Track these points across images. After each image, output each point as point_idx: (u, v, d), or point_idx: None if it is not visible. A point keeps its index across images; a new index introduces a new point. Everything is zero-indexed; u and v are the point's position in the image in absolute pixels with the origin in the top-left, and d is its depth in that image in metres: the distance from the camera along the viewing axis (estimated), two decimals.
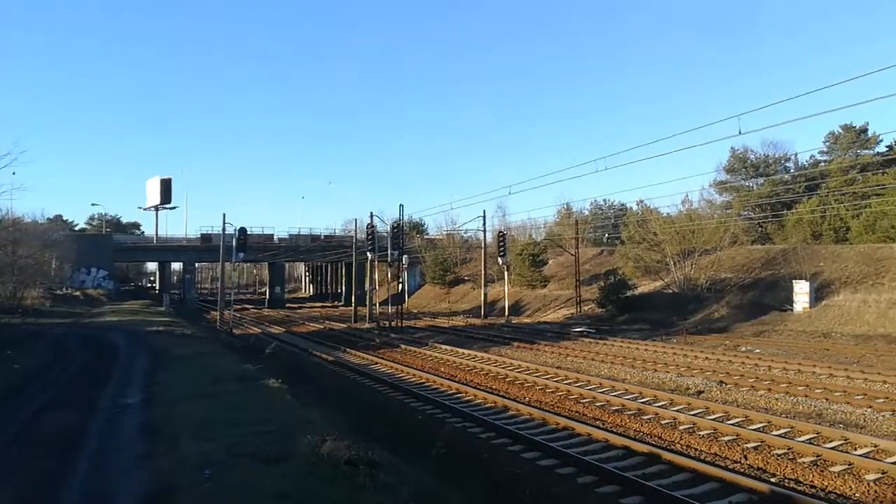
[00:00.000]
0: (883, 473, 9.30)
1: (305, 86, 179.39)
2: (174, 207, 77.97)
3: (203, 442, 9.10)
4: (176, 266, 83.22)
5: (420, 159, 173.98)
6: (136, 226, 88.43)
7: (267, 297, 77.20)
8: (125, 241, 70.57)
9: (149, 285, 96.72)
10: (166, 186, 74.44)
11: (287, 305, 69.97)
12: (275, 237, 70.48)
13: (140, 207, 77.85)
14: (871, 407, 13.58)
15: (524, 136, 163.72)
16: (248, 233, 42.05)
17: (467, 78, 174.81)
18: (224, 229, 41.78)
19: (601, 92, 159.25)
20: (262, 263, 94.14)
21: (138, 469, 8.06)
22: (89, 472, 8.09)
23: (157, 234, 71.85)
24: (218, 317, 44.56)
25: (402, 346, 28.68)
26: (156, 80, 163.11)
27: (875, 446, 10.69)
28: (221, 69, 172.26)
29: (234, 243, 38.54)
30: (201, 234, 67.22)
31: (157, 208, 74.34)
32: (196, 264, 79.85)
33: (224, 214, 41.53)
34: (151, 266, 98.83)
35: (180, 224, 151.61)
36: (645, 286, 41.68)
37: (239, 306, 60.45)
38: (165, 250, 68.95)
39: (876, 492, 8.80)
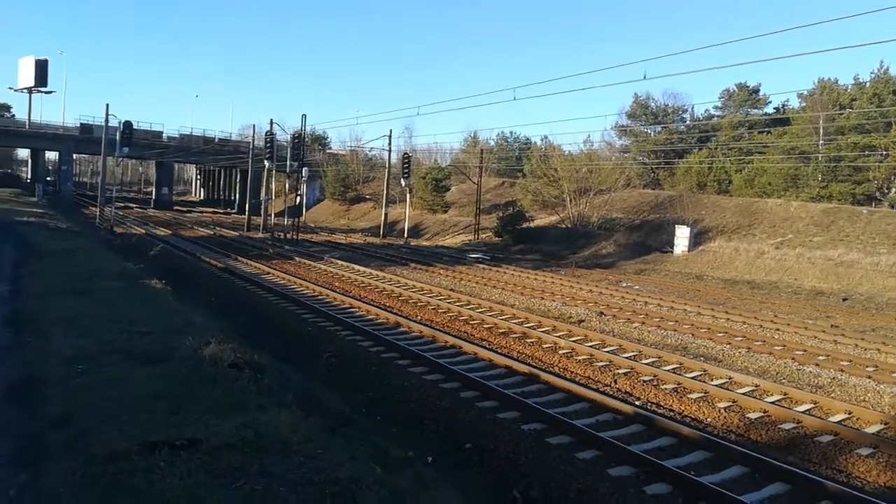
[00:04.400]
0: (733, 402, 10.28)
1: None
2: (50, 92, 71.22)
3: (76, 337, 8.60)
4: (51, 156, 76.54)
5: (326, 72, 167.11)
6: (6, 108, 79.98)
7: (153, 197, 73.08)
8: None
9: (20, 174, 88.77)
10: (42, 68, 67.45)
11: (175, 208, 66.58)
12: (164, 135, 66.32)
13: (11, 88, 70.34)
14: (729, 344, 14.85)
15: (435, 57, 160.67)
16: (135, 128, 39.32)
17: None
18: (107, 120, 38.62)
19: (513, 20, 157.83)
20: (148, 162, 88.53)
21: (4, 359, 7.54)
22: None
23: (29, 119, 65.36)
24: (98, 213, 41.80)
25: (297, 259, 28.18)
26: None
27: (729, 378, 11.75)
28: None
29: (117, 136, 35.80)
30: (81, 124, 61.87)
31: (30, 91, 67.38)
32: (74, 156, 73.91)
33: (107, 105, 38.14)
34: (23, 154, 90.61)
35: (57, 111, 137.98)
36: (541, 219, 42.96)
37: (122, 204, 56.93)
38: (39, 137, 62.90)
39: (725, 417, 9.74)
